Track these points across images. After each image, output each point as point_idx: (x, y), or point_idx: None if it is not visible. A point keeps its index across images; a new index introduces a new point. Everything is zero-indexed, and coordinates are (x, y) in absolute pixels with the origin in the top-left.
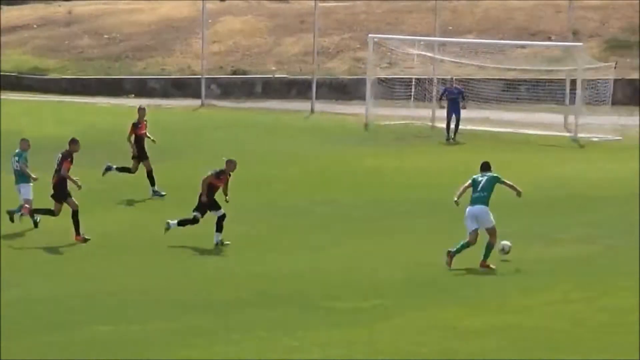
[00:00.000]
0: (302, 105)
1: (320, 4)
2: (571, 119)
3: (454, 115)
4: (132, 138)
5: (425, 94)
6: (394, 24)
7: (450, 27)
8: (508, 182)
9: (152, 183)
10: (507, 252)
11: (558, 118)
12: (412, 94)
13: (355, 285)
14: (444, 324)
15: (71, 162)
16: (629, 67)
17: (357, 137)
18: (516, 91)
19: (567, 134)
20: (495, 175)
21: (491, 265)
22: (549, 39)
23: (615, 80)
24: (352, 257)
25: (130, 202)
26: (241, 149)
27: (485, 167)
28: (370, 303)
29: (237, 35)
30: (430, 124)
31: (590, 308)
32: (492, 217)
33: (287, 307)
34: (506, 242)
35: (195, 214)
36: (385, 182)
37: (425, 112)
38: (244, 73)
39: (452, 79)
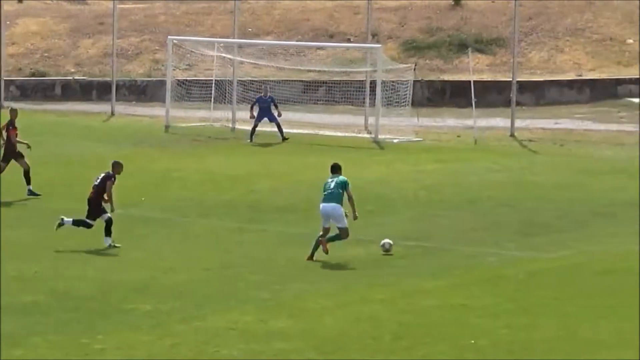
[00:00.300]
0: (102, 107)
1: (119, 6)
2: (371, 120)
3: (265, 120)
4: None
5: (225, 96)
6: (192, 26)
7: (250, 29)
8: (352, 196)
9: (28, 182)
10: (388, 250)
11: (358, 120)
12: (212, 95)
13: (156, 287)
14: (244, 326)
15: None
16: (428, 69)
17: (157, 138)
18: (315, 93)
19: (368, 136)
20: (344, 179)
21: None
22: (348, 41)
23: (415, 82)
24: (151, 259)
25: None
26: (41, 151)
27: (335, 169)
28: (169, 305)
29: (35, 37)
30: (230, 125)
31: (391, 310)
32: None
33: (86, 309)
34: (387, 240)
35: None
36: (185, 184)
37: (225, 114)
38: (43, 75)
39: (266, 87)
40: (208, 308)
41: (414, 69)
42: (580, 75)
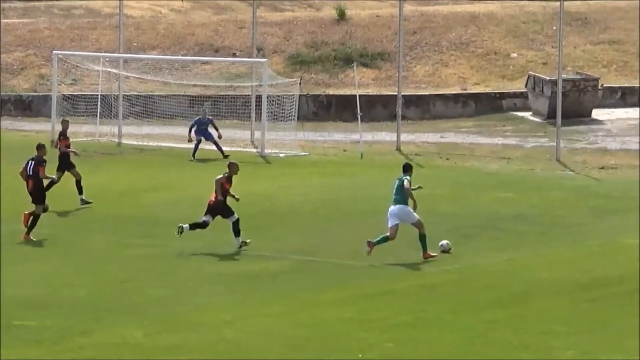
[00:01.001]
0: None
1: (3, 20)
2: (257, 134)
3: (202, 139)
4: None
5: (111, 111)
6: (77, 41)
7: (135, 43)
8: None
9: (80, 192)
10: (447, 250)
11: (244, 134)
12: (98, 110)
13: (42, 303)
14: (134, 341)
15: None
16: (313, 83)
17: None
18: (201, 107)
19: (254, 150)
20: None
21: (432, 254)
22: (233, 55)
23: (300, 96)
24: (38, 275)
25: None
26: None
27: (406, 168)
28: (55, 322)
29: None
30: (116, 140)
31: (287, 323)
32: (414, 213)
33: None
34: (445, 241)
35: (204, 218)
36: (72, 199)
37: (111, 129)
38: None
39: (204, 110)
40: (105, 322)
41: (300, 84)
42: (465, 89)
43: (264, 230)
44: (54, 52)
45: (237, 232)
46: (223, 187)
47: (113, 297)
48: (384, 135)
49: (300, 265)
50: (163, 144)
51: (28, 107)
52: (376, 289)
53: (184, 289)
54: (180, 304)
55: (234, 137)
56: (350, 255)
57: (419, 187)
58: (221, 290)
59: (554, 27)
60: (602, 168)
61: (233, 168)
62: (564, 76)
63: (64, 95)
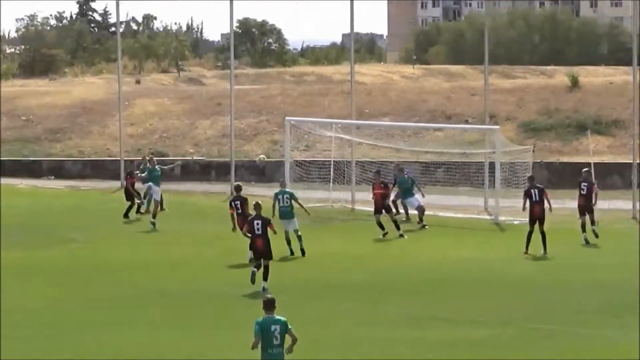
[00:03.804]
0: (222, 188)
1: (236, 87)
2: (491, 202)
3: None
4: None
5: (343, 177)
6: (309, 107)
7: (367, 110)
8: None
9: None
10: None
11: (478, 201)
12: (331, 176)
13: None
14: None
15: None
16: (547, 150)
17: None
18: (434, 174)
19: (488, 217)
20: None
21: None
22: (466, 122)
23: (534, 163)
24: None
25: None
26: (161, 229)
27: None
28: None
29: (153, 117)
30: (349, 206)
31: None
32: None
33: None
34: None
35: None
36: (306, 265)
37: (344, 195)
38: (162, 155)
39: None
40: None
41: (533, 151)
42: None
43: (493, 298)
44: (286, 118)
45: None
46: None
47: None
48: (620, 203)
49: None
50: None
51: (262, 172)
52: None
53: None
54: None
55: (468, 204)
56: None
57: None
58: (443, 358)
59: None
60: None
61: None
62: None
63: (296, 161)
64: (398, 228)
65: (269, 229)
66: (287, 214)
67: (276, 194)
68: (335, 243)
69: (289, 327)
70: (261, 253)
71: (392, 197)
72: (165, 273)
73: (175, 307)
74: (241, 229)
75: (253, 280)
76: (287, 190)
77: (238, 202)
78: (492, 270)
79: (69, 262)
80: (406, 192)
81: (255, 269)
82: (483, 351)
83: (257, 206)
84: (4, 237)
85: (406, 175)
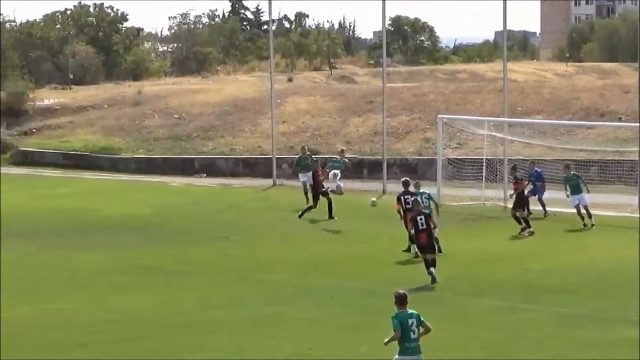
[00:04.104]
0: (374, 185)
1: (388, 85)
2: None
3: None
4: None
5: (496, 175)
6: (461, 104)
7: (520, 108)
8: None
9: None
10: None
11: (631, 199)
12: (483, 174)
13: None
14: None
15: None
16: None
17: None
18: (587, 172)
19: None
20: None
21: None
22: (619, 120)
23: None
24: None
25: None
26: (314, 228)
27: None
28: None
29: (305, 115)
30: (502, 204)
31: None
32: None
33: None
34: None
35: None
36: (457, 262)
37: (497, 193)
38: (314, 153)
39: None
40: None
41: None
42: None
43: None
44: (439, 116)
45: None
46: None
47: None
48: None
49: None
50: (550, 209)
51: (414, 170)
52: None
53: (560, 356)
54: None
55: (621, 202)
56: None
57: None
58: (595, 358)
59: None
60: None
61: None
62: None
63: (448, 159)
64: (529, 225)
65: (430, 222)
66: None
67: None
68: (486, 241)
69: (422, 319)
70: (426, 247)
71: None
72: (319, 271)
73: (329, 305)
74: (406, 225)
75: (433, 280)
76: (424, 191)
77: (407, 197)
78: None
79: (222, 261)
80: (573, 189)
81: (431, 271)
82: (635, 351)
83: (416, 202)
84: (163, 235)
85: (572, 173)
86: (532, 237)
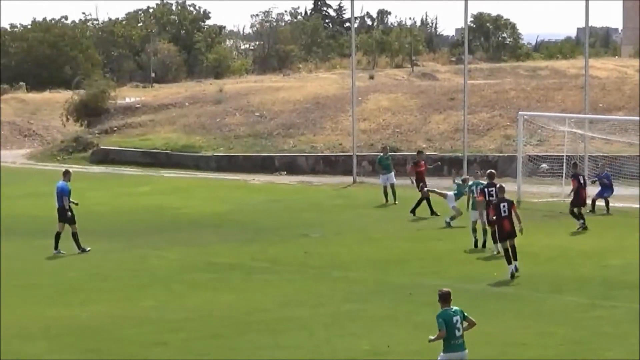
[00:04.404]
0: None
1: (469, 82)
2: None
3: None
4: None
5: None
6: (542, 101)
7: (601, 104)
8: None
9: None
10: None
11: None
12: (563, 171)
13: None
14: None
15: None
16: None
17: None
18: None
19: None
20: None
21: None
22: None
23: None
24: (502, 334)
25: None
26: (393, 225)
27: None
28: None
29: (386, 112)
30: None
31: None
32: None
33: None
34: None
35: None
36: (536, 259)
37: None
38: (395, 150)
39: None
40: None
41: None
42: None
43: None
44: (520, 112)
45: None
46: None
47: (567, 359)
48: None
49: None
50: (628, 205)
51: (494, 167)
52: None
53: (637, 353)
54: None
55: None
56: None
57: None
58: None
59: None
60: None
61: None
62: None
63: (529, 156)
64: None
65: (512, 210)
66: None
67: (469, 186)
68: (566, 238)
69: (465, 314)
70: (509, 234)
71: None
72: (397, 268)
73: (406, 302)
74: (487, 218)
75: (509, 259)
76: (480, 182)
77: (491, 189)
78: None
79: (301, 258)
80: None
81: (503, 248)
82: None
83: (502, 190)
84: (242, 233)
85: None
86: (611, 233)
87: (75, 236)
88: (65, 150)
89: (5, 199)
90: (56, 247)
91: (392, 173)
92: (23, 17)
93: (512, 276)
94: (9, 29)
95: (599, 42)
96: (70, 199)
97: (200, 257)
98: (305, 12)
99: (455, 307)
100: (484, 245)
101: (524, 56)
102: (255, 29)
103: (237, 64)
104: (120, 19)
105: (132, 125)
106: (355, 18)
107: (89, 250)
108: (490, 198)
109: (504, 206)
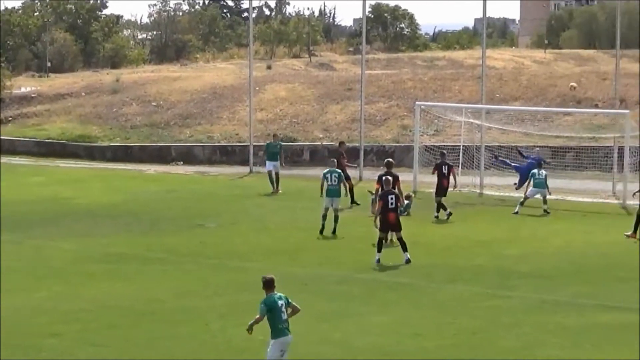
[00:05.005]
0: (350, 173)
1: (367, 72)
2: (619, 186)
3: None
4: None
5: (472, 162)
6: (440, 92)
7: (497, 95)
8: None
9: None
10: None
11: (606, 185)
12: (460, 161)
13: (401, 353)
14: None
15: None
16: None
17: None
18: (563, 158)
19: (616, 202)
20: None
21: None
22: (596, 107)
23: None
24: (398, 324)
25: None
26: (289, 215)
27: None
28: None
29: (283, 102)
30: (477, 191)
31: None
32: None
33: None
34: None
35: None
36: (431, 250)
37: (473, 180)
38: (291, 140)
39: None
40: None
41: None
42: None
43: (624, 283)
44: (417, 103)
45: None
46: None
47: (463, 349)
48: None
49: None
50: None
51: (390, 157)
52: None
53: (534, 341)
54: (533, 356)
55: (596, 189)
56: None
57: None
58: (573, 343)
59: None
60: None
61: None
62: None
63: (425, 146)
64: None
65: (399, 202)
66: (334, 192)
67: (324, 174)
68: (462, 228)
69: (290, 300)
70: (394, 226)
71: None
72: (294, 258)
73: (303, 292)
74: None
75: (380, 248)
76: (336, 170)
77: (388, 177)
78: (619, 254)
79: (197, 249)
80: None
81: (382, 241)
82: (609, 335)
83: (387, 182)
84: (137, 223)
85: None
86: (507, 223)
87: None
88: None
89: None
90: None
91: (278, 162)
92: None
93: (379, 262)
94: None
95: (496, 32)
96: None
97: (95, 247)
98: (203, 2)
99: (279, 293)
100: (333, 232)
101: (422, 46)
102: (153, 18)
103: (134, 54)
104: (16, 8)
105: (28, 115)
106: (253, 8)
107: None
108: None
109: (391, 198)
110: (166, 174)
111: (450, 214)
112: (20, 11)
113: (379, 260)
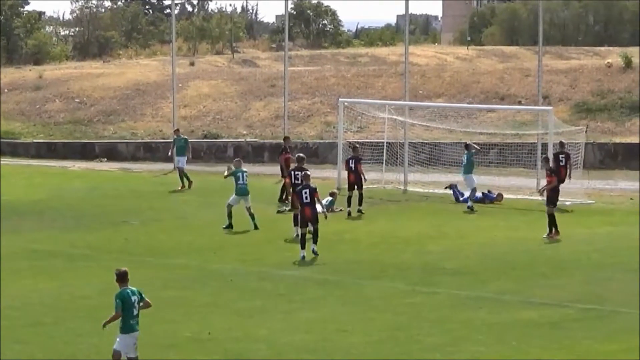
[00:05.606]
0: (274, 169)
1: (290, 68)
2: (543, 182)
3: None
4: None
5: (396, 158)
6: (363, 88)
7: (421, 91)
8: None
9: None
10: None
11: (530, 182)
12: (384, 158)
13: (328, 350)
14: None
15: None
16: (599, 131)
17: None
18: (487, 155)
19: (540, 198)
20: None
21: None
22: (519, 103)
23: (586, 144)
24: (324, 321)
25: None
26: (213, 213)
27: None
28: None
29: (207, 99)
30: (402, 187)
31: None
32: None
33: None
34: None
35: None
36: (357, 246)
37: (397, 176)
38: (215, 137)
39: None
40: None
41: (586, 132)
42: None
43: (548, 279)
44: (340, 99)
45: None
46: None
47: (388, 344)
48: None
49: (581, 314)
50: (448, 192)
51: (314, 154)
52: None
53: (460, 337)
54: (458, 351)
55: (520, 185)
56: (636, 304)
57: None
58: (498, 339)
59: None
60: None
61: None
62: None
63: (349, 142)
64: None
65: (315, 197)
66: (244, 191)
67: (234, 172)
68: (386, 224)
69: (142, 295)
70: (310, 220)
71: None
72: (217, 255)
73: (227, 289)
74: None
75: (303, 245)
76: (244, 169)
77: (298, 172)
78: (543, 251)
79: (121, 245)
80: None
81: (300, 234)
82: (533, 332)
83: (306, 176)
84: (59, 219)
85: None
86: (431, 219)
87: None
88: None
89: None
90: None
91: (185, 158)
92: None
93: (304, 258)
94: None
95: (418, 29)
96: None
97: (20, 244)
98: None
99: (133, 288)
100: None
101: (345, 43)
102: (75, 14)
103: (57, 50)
104: None
105: None
106: (176, 4)
107: None
108: (296, 182)
109: (305, 192)
110: (90, 171)
111: (343, 210)
112: None
113: (303, 257)
